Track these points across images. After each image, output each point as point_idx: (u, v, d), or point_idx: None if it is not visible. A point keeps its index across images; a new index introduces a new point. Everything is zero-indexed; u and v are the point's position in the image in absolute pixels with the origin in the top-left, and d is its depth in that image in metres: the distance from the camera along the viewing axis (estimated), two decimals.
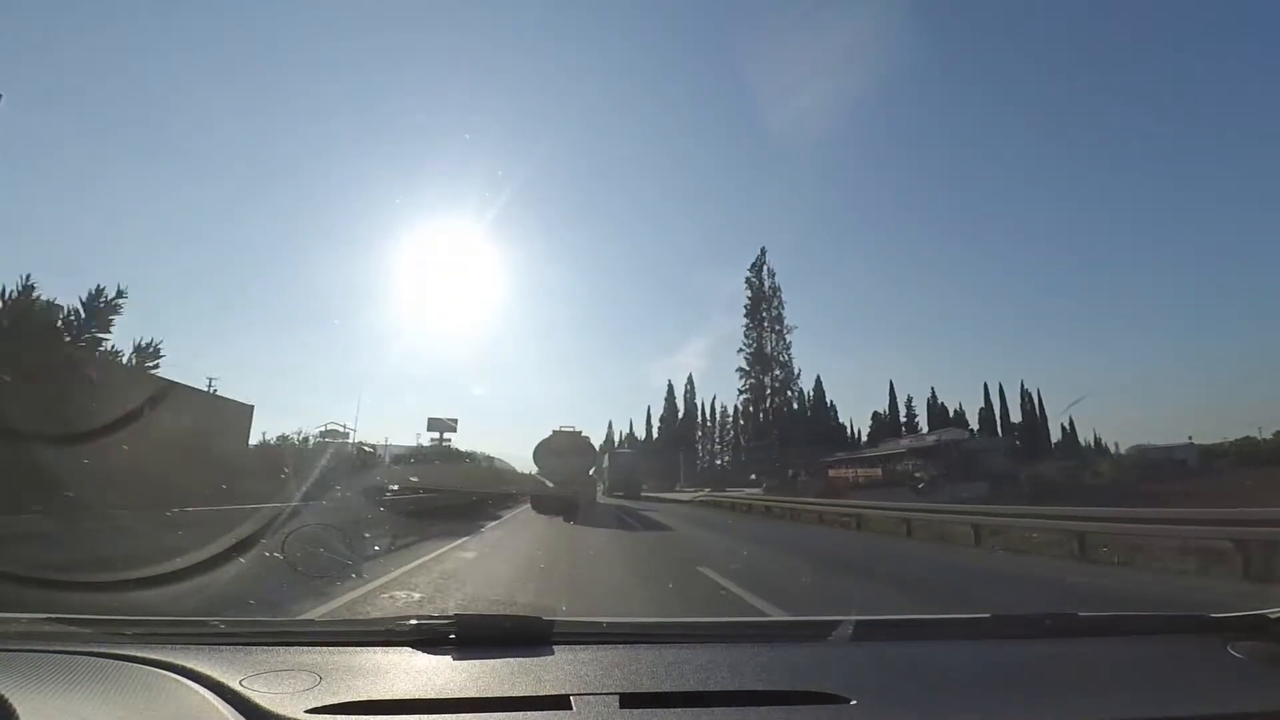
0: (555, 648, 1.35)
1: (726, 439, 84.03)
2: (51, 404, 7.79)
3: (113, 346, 9.88)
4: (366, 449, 20.85)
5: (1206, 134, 76.91)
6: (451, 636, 1.38)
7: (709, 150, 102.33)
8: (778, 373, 57.09)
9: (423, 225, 73.49)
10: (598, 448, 37.89)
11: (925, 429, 64.39)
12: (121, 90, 72.54)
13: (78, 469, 7.18)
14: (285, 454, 13.68)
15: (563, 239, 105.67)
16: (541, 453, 24.91)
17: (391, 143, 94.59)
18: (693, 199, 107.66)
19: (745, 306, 58.95)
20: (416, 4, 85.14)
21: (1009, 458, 43.81)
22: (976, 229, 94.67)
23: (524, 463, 30.44)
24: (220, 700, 1.07)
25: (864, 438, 67.75)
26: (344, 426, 21.13)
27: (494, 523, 16.05)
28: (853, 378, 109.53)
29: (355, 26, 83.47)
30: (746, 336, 58.60)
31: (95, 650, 1.30)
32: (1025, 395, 73.23)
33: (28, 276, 8.03)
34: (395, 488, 14.48)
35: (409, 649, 1.35)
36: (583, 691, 1.12)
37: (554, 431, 25.62)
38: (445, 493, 17.60)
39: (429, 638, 1.38)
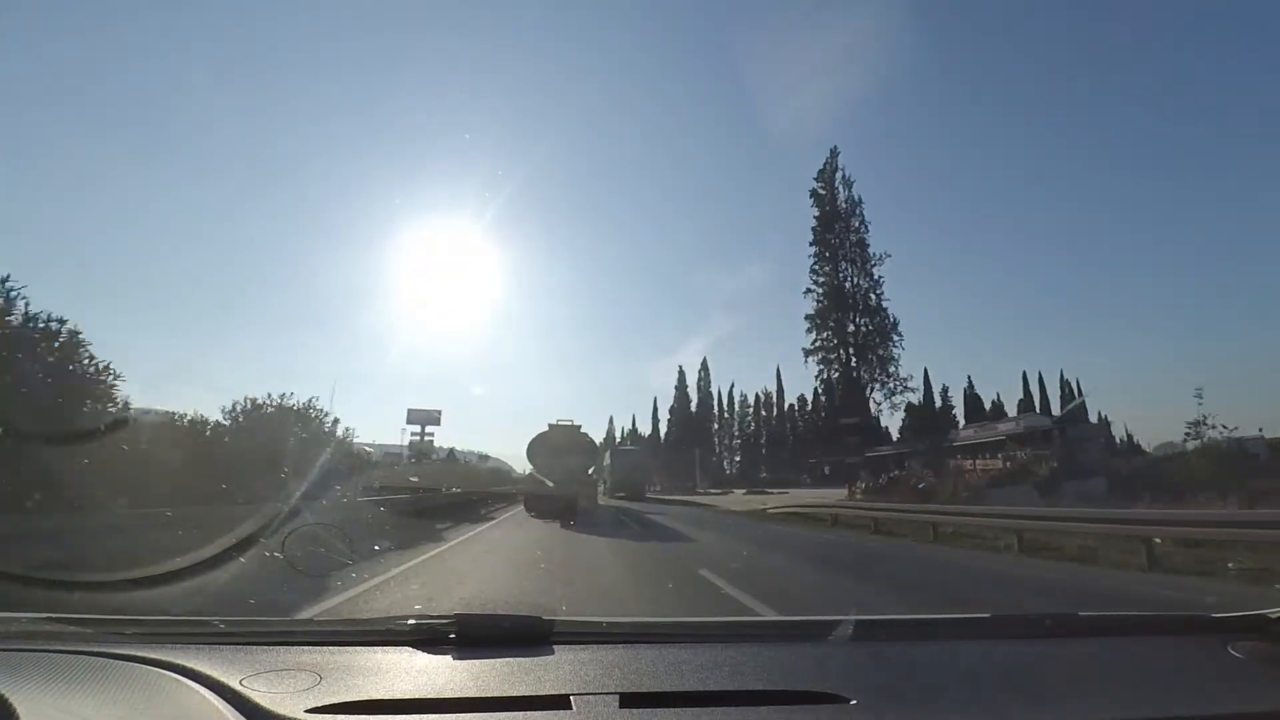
0: (555, 647, 1.35)
1: (747, 431, 76.56)
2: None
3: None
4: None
5: (1207, 134, 76.96)
6: (451, 636, 1.38)
7: (709, 150, 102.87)
8: (864, 321, 39.31)
9: (422, 225, 73.84)
10: (597, 445, 33.29)
11: (962, 422, 59.02)
12: (121, 90, 72.66)
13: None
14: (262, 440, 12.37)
15: (562, 239, 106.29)
16: (536, 449, 21.65)
17: (391, 143, 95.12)
18: (693, 199, 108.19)
19: (813, 229, 41.04)
20: (416, 4, 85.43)
21: (1103, 449, 36.15)
22: (976, 228, 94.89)
23: (524, 462, 29.38)
24: (220, 700, 1.07)
25: (895, 434, 54.95)
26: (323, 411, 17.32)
27: (467, 533, 12.62)
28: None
29: (355, 27, 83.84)
30: (814, 272, 40.65)
31: (95, 650, 1.29)
32: (1065, 385, 67.86)
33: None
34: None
35: (409, 648, 1.34)
36: (583, 691, 1.12)
37: (550, 425, 22.16)
38: (418, 494, 15.98)
39: (429, 637, 1.38)
